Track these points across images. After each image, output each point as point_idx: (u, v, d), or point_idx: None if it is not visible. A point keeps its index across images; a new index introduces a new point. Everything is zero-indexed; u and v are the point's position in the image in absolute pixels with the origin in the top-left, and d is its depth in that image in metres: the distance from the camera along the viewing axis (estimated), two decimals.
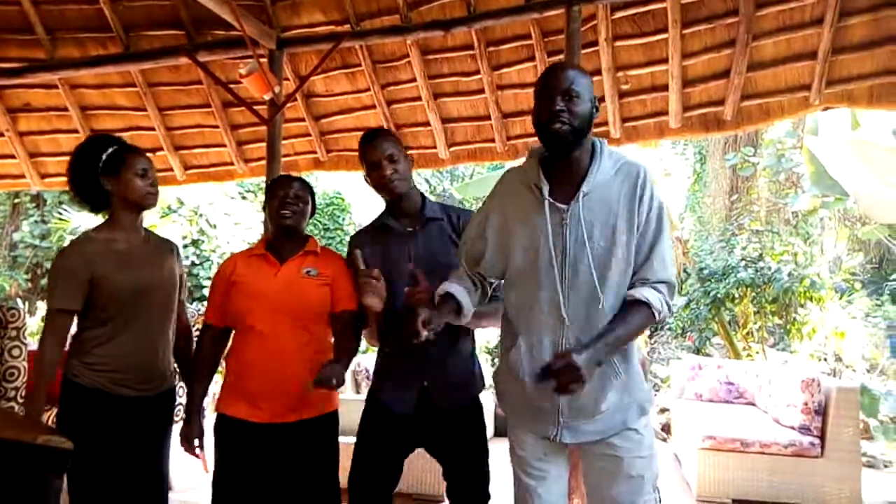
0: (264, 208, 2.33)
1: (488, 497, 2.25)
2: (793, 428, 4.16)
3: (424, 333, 1.74)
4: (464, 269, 1.97)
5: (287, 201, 2.22)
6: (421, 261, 2.15)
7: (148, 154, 2.31)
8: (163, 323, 2.24)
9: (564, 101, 1.71)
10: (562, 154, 1.77)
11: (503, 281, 1.96)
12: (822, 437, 4.03)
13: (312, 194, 2.34)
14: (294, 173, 5.06)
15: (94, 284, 2.11)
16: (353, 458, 2.20)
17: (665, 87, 4.15)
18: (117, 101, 5.13)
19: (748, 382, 5.09)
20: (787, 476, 3.99)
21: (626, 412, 1.81)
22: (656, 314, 1.75)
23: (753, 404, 4.96)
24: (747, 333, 7.54)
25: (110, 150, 2.24)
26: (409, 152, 4.98)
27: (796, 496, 3.96)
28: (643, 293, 1.73)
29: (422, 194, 2.29)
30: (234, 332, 2.26)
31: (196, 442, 2.20)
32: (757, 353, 7.08)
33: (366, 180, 2.25)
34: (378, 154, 2.17)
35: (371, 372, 4.80)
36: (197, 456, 2.21)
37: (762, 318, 7.37)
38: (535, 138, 4.88)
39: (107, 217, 2.25)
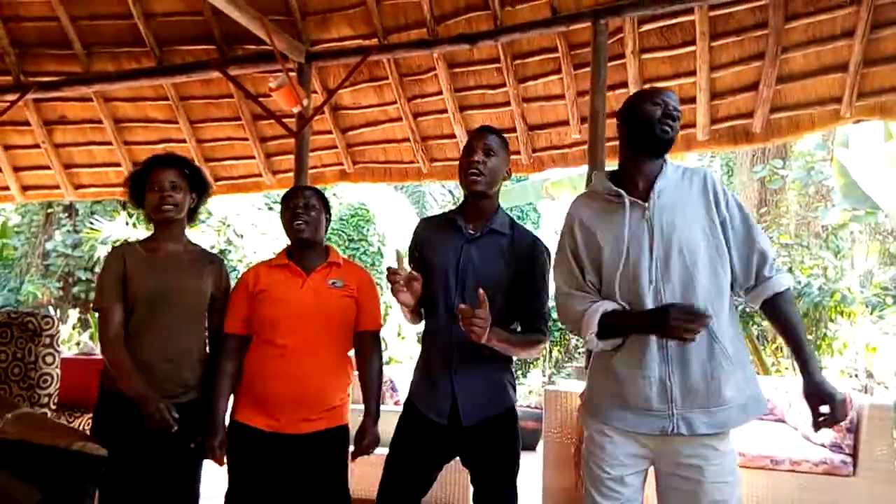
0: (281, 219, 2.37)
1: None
2: (824, 445, 4.07)
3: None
4: (583, 294, 1.93)
5: (298, 212, 2.25)
6: (469, 268, 2.13)
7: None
8: (182, 330, 2.27)
9: (676, 112, 1.89)
10: (657, 155, 1.92)
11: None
12: (855, 455, 3.93)
13: (326, 203, 2.36)
14: (321, 185, 5.15)
15: (125, 284, 2.18)
16: (386, 464, 2.19)
17: (693, 100, 4.13)
18: (150, 114, 5.25)
19: (778, 398, 4.99)
20: (818, 494, 3.90)
21: (748, 405, 1.82)
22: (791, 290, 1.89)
23: (783, 421, 4.87)
24: (776, 349, 7.40)
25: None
26: (435, 163, 5.02)
27: None
28: (780, 281, 1.84)
29: (499, 205, 2.24)
30: (253, 341, 2.27)
31: (219, 452, 2.21)
32: (786, 368, 6.95)
33: (460, 169, 2.20)
34: (478, 142, 2.14)
35: (395, 384, 4.84)
36: (220, 464, 2.22)
37: None
38: (562, 151, 4.87)
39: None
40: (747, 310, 7.04)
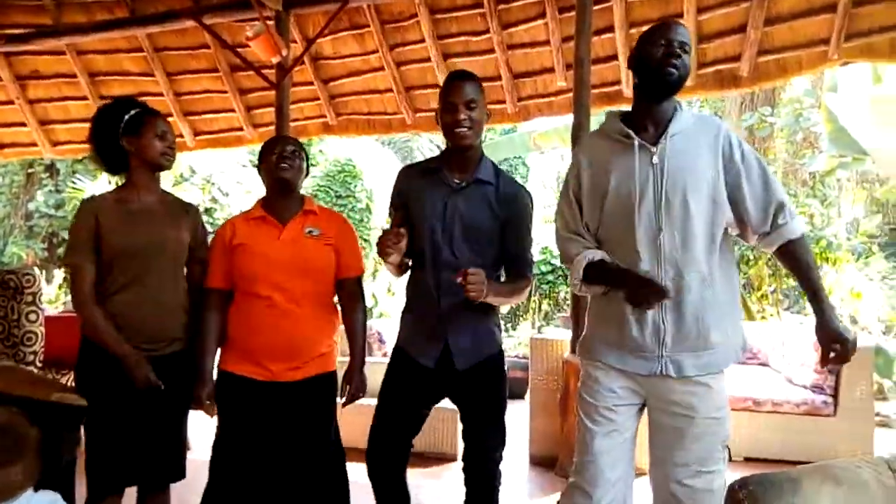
0: (259, 169, 2.33)
1: (504, 443, 2.25)
2: (805, 387, 4.15)
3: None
4: (578, 239, 1.96)
5: (284, 156, 2.25)
6: (456, 219, 2.13)
7: None
8: (165, 283, 2.24)
9: (681, 50, 1.81)
10: (663, 99, 1.86)
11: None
12: (835, 397, 4.01)
13: (307, 155, 2.36)
14: (304, 139, 5.07)
15: (99, 239, 2.14)
16: (377, 408, 2.24)
17: None
18: (125, 67, 5.12)
19: (762, 343, 5.07)
20: (799, 435, 3.99)
21: (728, 351, 1.86)
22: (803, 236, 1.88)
23: (767, 365, 4.95)
24: (762, 296, 7.49)
25: (133, 112, 2.28)
26: (419, 114, 4.96)
27: (808, 454, 3.95)
28: (794, 228, 1.83)
29: (483, 153, 2.22)
30: (236, 293, 2.26)
31: (209, 401, 2.22)
32: (772, 315, 7.05)
33: (436, 119, 2.19)
34: (458, 97, 2.08)
35: (383, 335, 4.86)
36: (211, 414, 2.23)
37: (777, 281, 7.31)
38: (547, 99, 4.80)
39: (124, 180, 2.28)
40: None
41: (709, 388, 1.84)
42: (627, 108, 1.97)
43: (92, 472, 2.14)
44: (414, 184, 2.23)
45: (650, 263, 1.82)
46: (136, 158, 2.24)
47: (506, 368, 2.26)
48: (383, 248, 2.04)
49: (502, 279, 2.22)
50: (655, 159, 1.83)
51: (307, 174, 2.37)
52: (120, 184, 2.31)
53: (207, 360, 2.24)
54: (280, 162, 2.24)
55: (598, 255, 1.89)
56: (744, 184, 1.83)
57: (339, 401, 2.32)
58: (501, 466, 2.26)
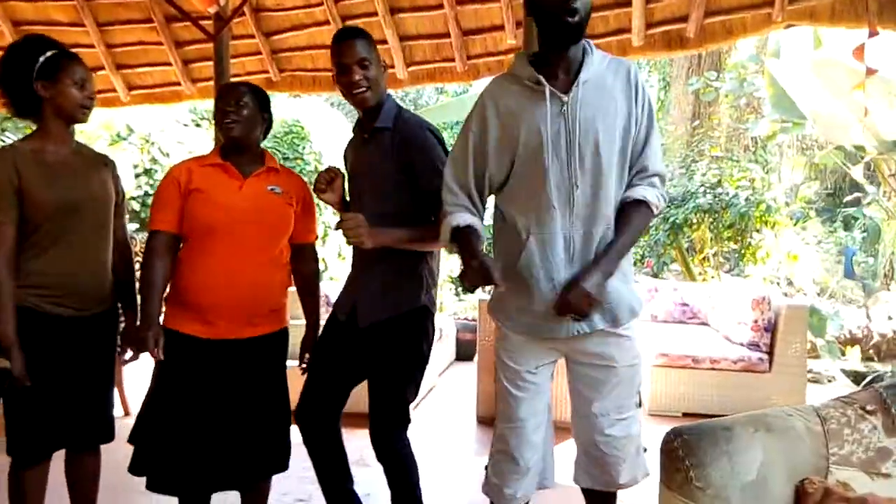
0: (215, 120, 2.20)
1: (402, 419, 2.15)
2: (742, 345, 4.29)
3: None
4: (461, 195, 1.87)
5: (228, 110, 2.10)
6: (363, 171, 2.14)
7: None
8: (94, 240, 2.12)
9: None
10: (568, 45, 1.77)
11: (495, 195, 1.94)
12: (771, 354, 4.17)
13: (263, 101, 2.20)
14: None
15: (21, 196, 1.99)
16: (308, 365, 2.26)
17: (628, 3, 4.02)
18: (52, 16, 4.80)
19: (702, 303, 5.21)
20: (735, 390, 4.14)
21: (629, 301, 1.85)
22: (654, 209, 1.83)
23: (706, 324, 5.09)
24: (703, 259, 7.68)
25: (49, 53, 2.07)
26: None
27: (744, 409, 4.03)
28: (641, 192, 1.80)
29: (385, 100, 2.13)
30: (186, 242, 2.15)
31: (155, 343, 2.05)
32: (713, 278, 7.24)
33: (334, 81, 2.12)
34: (349, 57, 2.03)
35: (330, 298, 4.79)
36: (158, 358, 2.10)
37: (718, 244, 7.51)
38: (498, 58, 4.73)
39: (36, 126, 2.11)
40: (677, 221, 7.24)
41: (626, 338, 1.86)
42: None
43: (16, 438, 2.04)
44: (348, 146, 2.31)
45: (562, 218, 1.77)
46: (50, 106, 2.05)
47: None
48: (317, 186, 2.13)
49: None
50: (566, 108, 1.75)
51: (268, 123, 2.23)
52: (29, 132, 2.12)
53: (154, 304, 2.08)
54: (224, 118, 2.11)
55: (466, 219, 1.84)
56: (631, 137, 1.80)
57: (293, 364, 2.27)
58: (422, 430, 2.25)
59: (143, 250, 2.20)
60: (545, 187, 1.77)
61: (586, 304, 1.71)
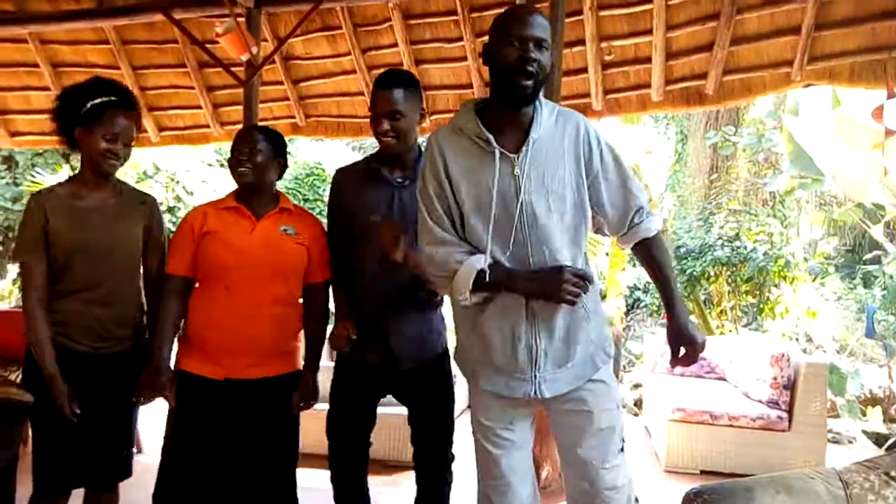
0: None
1: (451, 454, 2.30)
2: (761, 402, 4.22)
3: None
4: (458, 241, 1.79)
5: (242, 159, 2.15)
6: (404, 213, 2.12)
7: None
8: (123, 283, 2.17)
9: (537, 50, 1.65)
10: (520, 107, 1.71)
11: None
12: (790, 412, 4.09)
13: (280, 145, 2.24)
14: None
15: (48, 237, 2.05)
16: (329, 409, 2.25)
17: (648, 59, 4.12)
18: (90, 59, 5.00)
19: (720, 358, 5.14)
20: (754, 448, 4.05)
21: (594, 355, 1.82)
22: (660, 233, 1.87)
23: (724, 379, 5.02)
24: (721, 312, 7.61)
25: (97, 100, 2.13)
26: None
27: (763, 468, 4.01)
28: (649, 227, 1.82)
29: (419, 147, 2.20)
30: (199, 284, 2.20)
31: (169, 389, 2.11)
32: (730, 331, 7.16)
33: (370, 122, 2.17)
34: (381, 107, 2.08)
35: None
36: (172, 403, 2.13)
37: (736, 297, 7.44)
38: None
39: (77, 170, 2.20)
40: (694, 273, 7.21)
41: (601, 384, 1.82)
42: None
43: (39, 472, 2.07)
44: (353, 185, 2.21)
45: None
46: (82, 153, 2.13)
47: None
48: (387, 248, 1.97)
49: None
50: (517, 170, 1.69)
51: (283, 166, 2.26)
52: (60, 169, 2.20)
53: (165, 348, 2.14)
54: (238, 166, 2.16)
55: (482, 259, 1.71)
56: (602, 188, 1.78)
57: (323, 407, 2.29)
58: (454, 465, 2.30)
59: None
60: (496, 243, 1.72)
61: (700, 351, 1.76)
